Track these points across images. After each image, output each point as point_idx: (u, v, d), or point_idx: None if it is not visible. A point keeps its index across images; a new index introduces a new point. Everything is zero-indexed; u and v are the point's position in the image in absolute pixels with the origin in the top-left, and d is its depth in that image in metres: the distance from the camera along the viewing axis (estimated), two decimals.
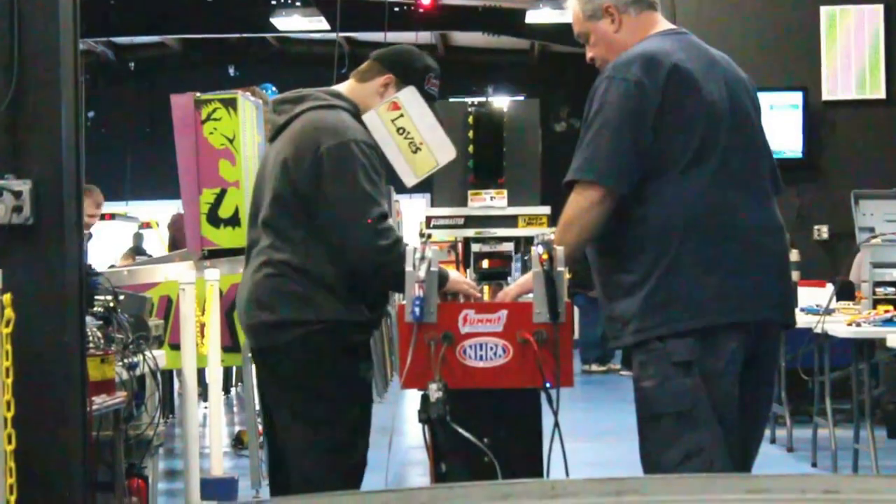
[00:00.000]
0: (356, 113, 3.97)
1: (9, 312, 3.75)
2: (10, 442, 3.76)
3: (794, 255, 9.31)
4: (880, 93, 10.50)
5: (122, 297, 5.22)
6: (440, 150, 4.05)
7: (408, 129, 3.99)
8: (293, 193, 3.81)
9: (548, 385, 3.38)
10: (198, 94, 6.87)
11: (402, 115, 3.98)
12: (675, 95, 3.48)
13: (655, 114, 3.46)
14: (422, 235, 7.72)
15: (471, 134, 6.63)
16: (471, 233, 6.97)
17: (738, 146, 3.57)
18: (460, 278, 3.90)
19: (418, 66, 4.08)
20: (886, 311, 7.02)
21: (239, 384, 11.48)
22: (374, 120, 3.96)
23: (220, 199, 6.80)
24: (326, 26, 16.27)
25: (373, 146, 3.87)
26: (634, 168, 3.46)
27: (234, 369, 11.25)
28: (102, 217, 13.35)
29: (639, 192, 3.48)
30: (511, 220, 6.92)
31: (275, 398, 3.95)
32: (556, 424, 3.39)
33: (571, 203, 3.51)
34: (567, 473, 3.33)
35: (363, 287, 3.82)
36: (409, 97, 4.00)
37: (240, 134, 6.80)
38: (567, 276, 3.47)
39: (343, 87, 4.05)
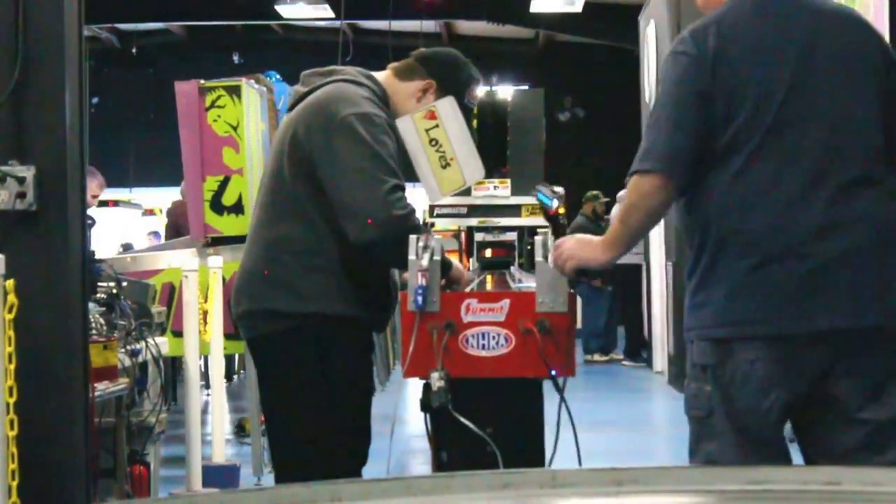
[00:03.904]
0: (383, 96, 3.79)
1: (12, 298, 3.76)
2: (12, 428, 3.76)
3: None
4: None
5: (125, 284, 5.23)
6: (469, 168, 3.87)
7: (440, 142, 3.81)
8: (302, 164, 3.64)
9: (553, 373, 3.37)
10: (202, 82, 6.86)
11: (437, 126, 3.80)
12: (723, 68, 3.18)
13: (707, 89, 3.17)
14: (425, 224, 7.72)
15: (474, 123, 6.62)
16: (474, 222, 6.96)
17: (803, 124, 3.17)
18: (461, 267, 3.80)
19: (463, 76, 3.91)
20: None
21: (241, 371, 11.49)
22: (408, 126, 3.79)
23: (223, 186, 6.80)
24: (331, 14, 16.24)
25: (395, 128, 3.72)
26: (694, 151, 3.19)
27: (237, 357, 11.26)
28: (105, 203, 13.39)
29: (693, 183, 3.23)
30: (514, 210, 6.91)
31: (262, 388, 3.90)
32: (567, 410, 3.40)
33: (633, 187, 3.24)
34: (580, 463, 3.34)
35: (367, 270, 3.67)
36: (448, 108, 3.82)
37: (244, 121, 6.79)
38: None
39: (379, 75, 3.88)
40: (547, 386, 3.48)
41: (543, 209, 3.69)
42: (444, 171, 3.85)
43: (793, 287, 3.14)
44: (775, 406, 3.19)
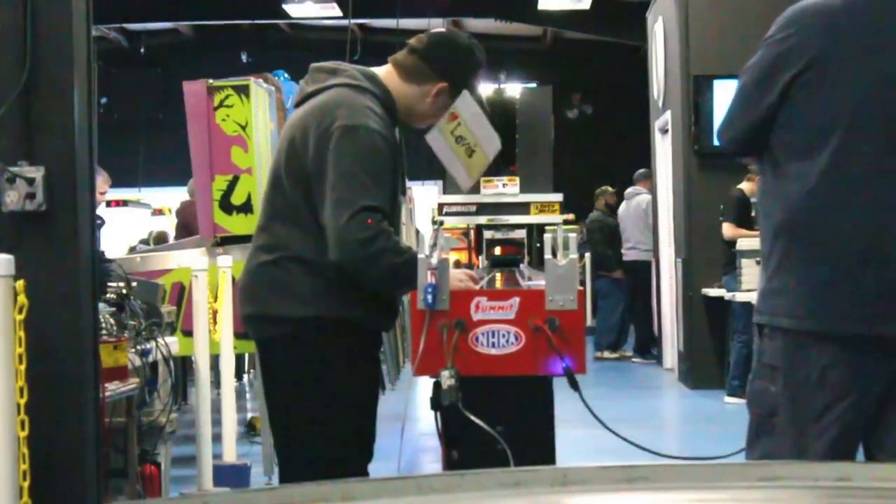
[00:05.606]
0: (386, 99, 3.76)
1: (22, 299, 3.76)
2: (23, 428, 3.77)
3: None
4: None
5: (134, 284, 5.23)
6: (489, 145, 4.00)
7: (465, 136, 3.93)
8: (297, 171, 3.64)
9: (567, 365, 3.36)
10: (210, 81, 6.87)
11: (459, 124, 3.90)
12: (823, 58, 3.09)
13: (798, 75, 3.10)
14: (434, 222, 7.74)
15: None
16: (483, 220, 6.95)
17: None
18: (456, 273, 3.69)
19: (471, 69, 3.88)
20: None
21: (252, 371, 11.50)
22: (437, 136, 3.91)
23: (232, 185, 6.80)
24: (339, 13, 16.26)
25: (388, 140, 3.65)
26: (753, 132, 3.19)
27: (247, 356, 11.27)
28: (111, 203, 13.41)
29: (776, 168, 3.19)
30: (523, 208, 6.90)
31: (265, 389, 3.89)
32: (584, 404, 3.39)
33: None
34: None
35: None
36: (464, 102, 3.86)
37: (252, 121, 6.79)
38: (580, 263, 3.46)
39: (381, 71, 3.83)
40: (556, 384, 3.48)
41: None
42: (470, 159, 3.99)
43: (871, 291, 3.09)
44: (849, 410, 3.13)
